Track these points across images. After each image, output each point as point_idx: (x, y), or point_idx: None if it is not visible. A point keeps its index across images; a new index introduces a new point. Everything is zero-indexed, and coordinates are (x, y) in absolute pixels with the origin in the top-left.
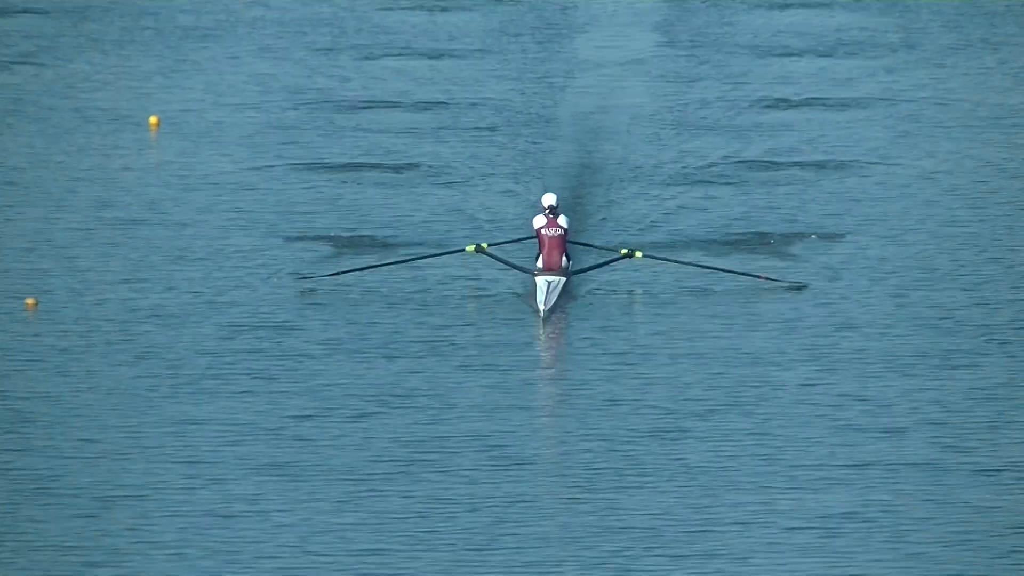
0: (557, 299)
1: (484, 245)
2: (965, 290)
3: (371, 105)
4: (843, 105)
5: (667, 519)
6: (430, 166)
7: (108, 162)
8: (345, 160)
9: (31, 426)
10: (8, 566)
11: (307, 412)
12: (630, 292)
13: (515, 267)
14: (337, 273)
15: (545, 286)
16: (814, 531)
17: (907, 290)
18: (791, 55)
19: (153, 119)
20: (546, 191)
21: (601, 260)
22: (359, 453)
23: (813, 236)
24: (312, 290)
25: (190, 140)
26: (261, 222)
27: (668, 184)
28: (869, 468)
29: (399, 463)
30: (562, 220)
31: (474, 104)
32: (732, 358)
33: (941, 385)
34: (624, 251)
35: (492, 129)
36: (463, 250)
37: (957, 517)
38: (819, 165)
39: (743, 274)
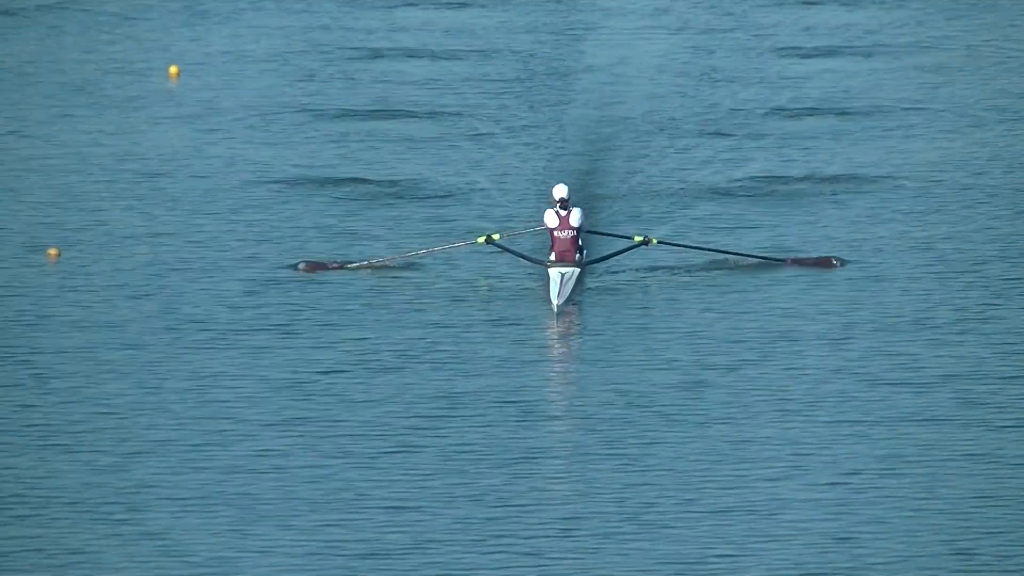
0: (571, 291)
1: (495, 236)
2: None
3: (392, 54)
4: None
5: (693, 531)
6: (454, 115)
7: (129, 113)
8: (365, 109)
9: (51, 378)
10: (29, 520)
11: (327, 369)
12: (646, 285)
13: (527, 259)
14: (344, 266)
15: (559, 278)
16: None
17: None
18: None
19: (173, 69)
20: (558, 183)
21: (616, 249)
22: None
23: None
24: (319, 280)
25: (211, 90)
26: (284, 174)
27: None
28: (903, 462)
29: (413, 461)
30: (574, 217)
31: (493, 55)
32: (757, 349)
33: (978, 363)
34: (639, 238)
35: (509, 82)
36: (475, 241)
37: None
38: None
39: (766, 259)
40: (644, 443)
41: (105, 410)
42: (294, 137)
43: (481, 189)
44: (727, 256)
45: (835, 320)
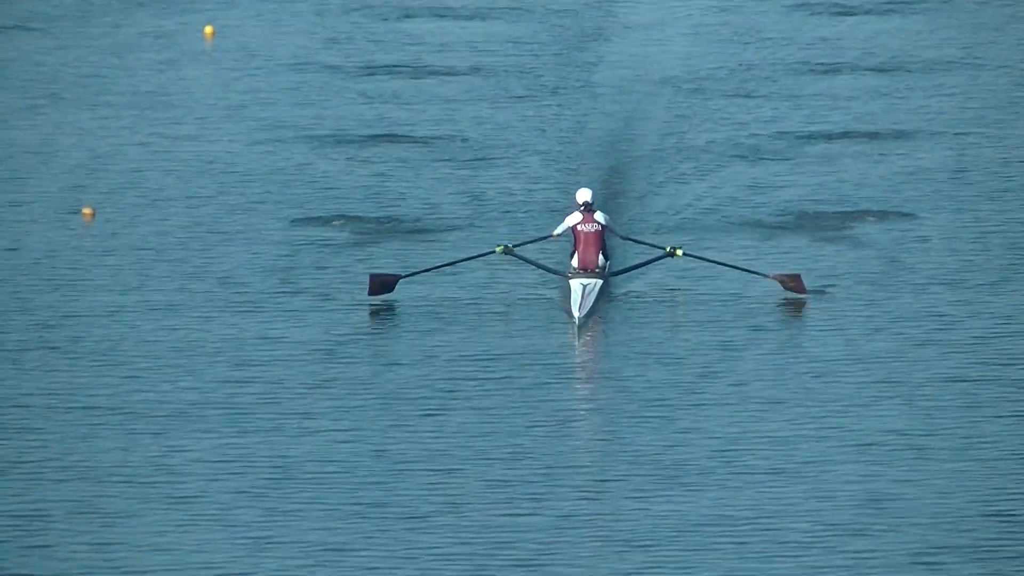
0: (594, 304)
1: (511, 246)
2: None
3: (425, 14)
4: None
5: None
6: (483, 71)
7: (165, 72)
8: (397, 65)
9: (84, 339)
10: (52, 484)
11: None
12: (675, 298)
13: (546, 269)
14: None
15: (580, 290)
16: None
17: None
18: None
19: (208, 29)
20: (581, 187)
21: (643, 259)
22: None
23: (870, 218)
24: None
25: (246, 51)
26: (319, 134)
27: (720, 161)
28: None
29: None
30: (599, 216)
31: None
32: (792, 372)
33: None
34: (669, 248)
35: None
36: (493, 251)
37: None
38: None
39: (780, 283)
40: (671, 470)
41: (135, 373)
42: (327, 95)
43: (516, 149)
44: (752, 275)
45: (875, 280)
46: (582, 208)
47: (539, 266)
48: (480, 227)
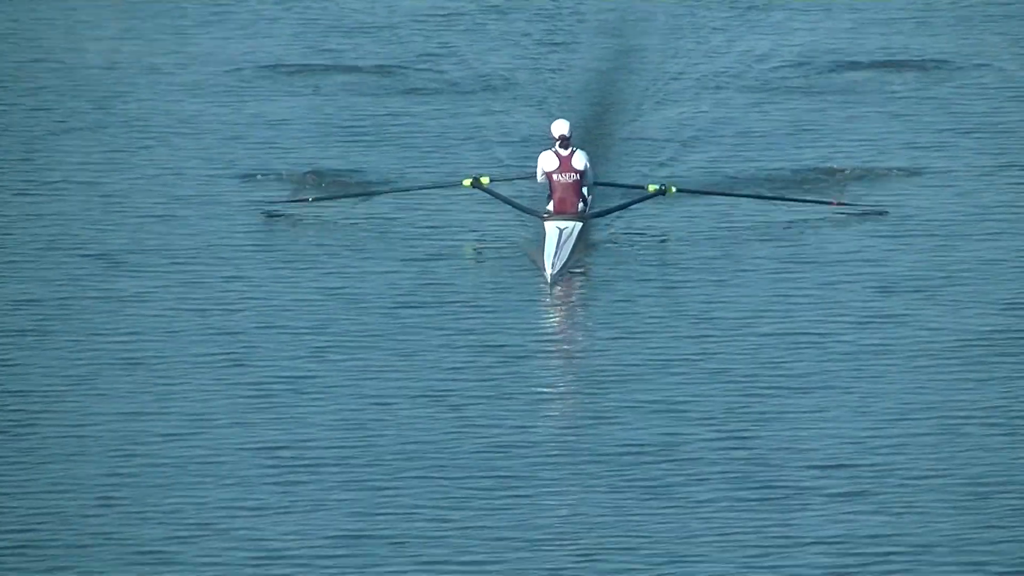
0: (571, 252)
1: (484, 180)
2: None
3: None
4: None
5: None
6: None
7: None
8: None
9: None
10: (73, 442)
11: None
12: (663, 239)
13: (520, 208)
14: (312, 200)
15: (556, 235)
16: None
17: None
18: None
19: None
20: (558, 118)
21: (626, 200)
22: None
23: (895, 171)
24: (278, 214)
25: None
26: (268, 64)
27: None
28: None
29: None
30: (578, 159)
31: None
32: (793, 315)
33: None
34: (654, 187)
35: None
36: (459, 184)
37: None
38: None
39: (808, 201)
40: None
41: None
42: (274, 25)
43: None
44: (764, 200)
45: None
46: (559, 142)
47: (511, 203)
48: (448, 159)
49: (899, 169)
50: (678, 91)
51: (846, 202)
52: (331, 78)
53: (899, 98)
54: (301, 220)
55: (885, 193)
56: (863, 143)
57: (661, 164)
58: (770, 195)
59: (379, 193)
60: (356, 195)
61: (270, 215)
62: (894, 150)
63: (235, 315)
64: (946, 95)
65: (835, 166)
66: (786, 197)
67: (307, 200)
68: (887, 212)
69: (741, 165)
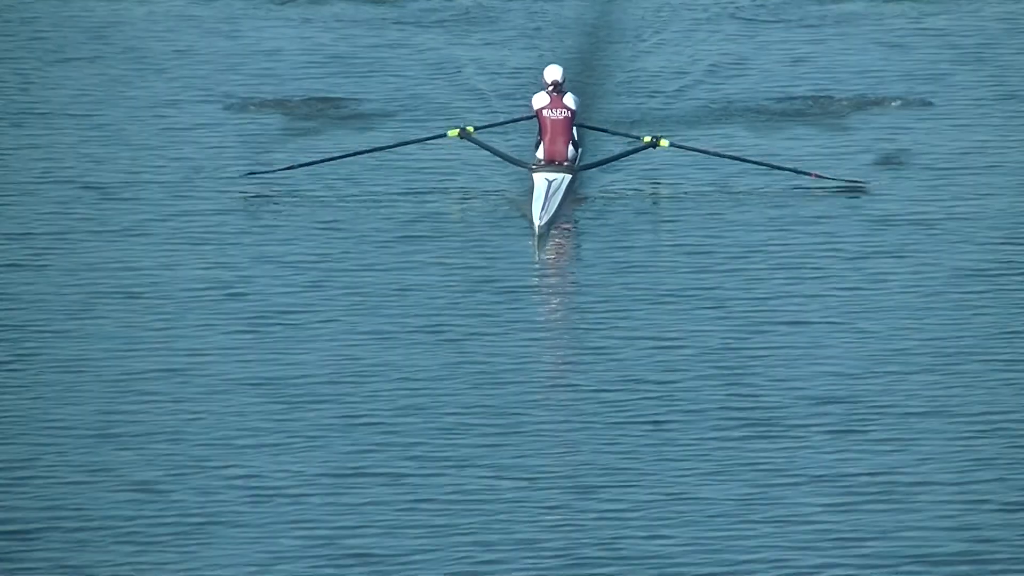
0: (559, 205)
1: (470, 128)
2: None
3: None
4: None
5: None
6: None
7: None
8: None
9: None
10: (69, 376)
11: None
12: (654, 194)
13: (508, 159)
14: (291, 167)
15: (545, 187)
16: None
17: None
18: None
19: None
20: (551, 63)
21: (618, 151)
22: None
23: (896, 103)
24: (257, 196)
25: None
26: None
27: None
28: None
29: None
30: (569, 99)
31: None
32: (789, 250)
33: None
34: (647, 138)
35: None
36: (445, 135)
37: None
38: None
39: (790, 170)
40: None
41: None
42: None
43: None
44: (750, 164)
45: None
46: (550, 88)
47: (499, 154)
48: (435, 109)
49: (897, 99)
50: (674, 22)
51: (825, 175)
52: (325, 8)
53: (895, 29)
54: (293, 174)
55: (883, 126)
56: (860, 73)
57: (651, 95)
58: (756, 160)
59: (362, 152)
60: (340, 158)
61: (252, 177)
62: (891, 81)
63: (230, 248)
64: (942, 25)
65: (833, 95)
66: (772, 164)
67: (292, 167)
68: (866, 186)
69: (737, 95)
